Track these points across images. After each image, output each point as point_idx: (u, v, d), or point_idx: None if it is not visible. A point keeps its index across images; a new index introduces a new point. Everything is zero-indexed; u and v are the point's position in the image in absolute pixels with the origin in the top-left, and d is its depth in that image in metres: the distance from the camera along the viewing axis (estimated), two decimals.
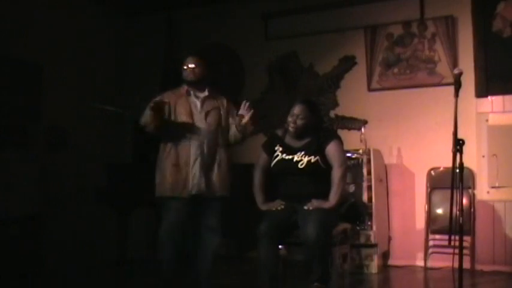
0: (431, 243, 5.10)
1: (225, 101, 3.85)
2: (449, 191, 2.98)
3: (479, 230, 4.96)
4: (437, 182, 5.13)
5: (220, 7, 6.19)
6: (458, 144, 2.95)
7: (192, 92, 3.76)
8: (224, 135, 3.76)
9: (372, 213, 4.98)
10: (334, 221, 3.54)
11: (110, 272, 5.14)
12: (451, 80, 4.73)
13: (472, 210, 4.94)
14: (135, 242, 5.30)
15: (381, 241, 5.03)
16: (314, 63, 5.83)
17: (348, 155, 4.78)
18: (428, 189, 5.18)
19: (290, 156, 3.54)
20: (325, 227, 3.30)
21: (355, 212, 4.85)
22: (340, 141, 3.59)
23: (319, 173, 3.50)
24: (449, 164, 3.00)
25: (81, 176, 5.49)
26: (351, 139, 5.04)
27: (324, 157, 3.51)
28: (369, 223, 4.97)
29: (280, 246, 3.47)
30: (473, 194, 5.01)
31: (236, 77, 6.14)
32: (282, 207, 3.52)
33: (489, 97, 5.05)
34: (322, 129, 3.77)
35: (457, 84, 3.07)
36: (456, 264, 2.93)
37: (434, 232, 5.08)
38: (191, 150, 3.63)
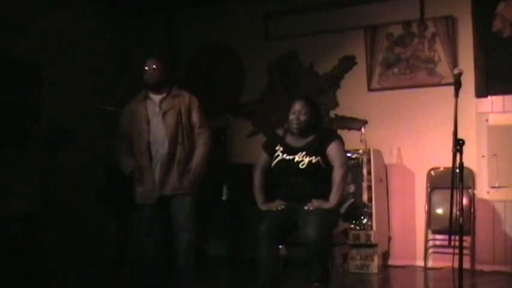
0: (431, 243, 5.11)
1: (187, 98, 3.91)
2: (449, 191, 2.98)
3: (479, 230, 4.96)
4: (437, 182, 5.13)
5: (220, 7, 6.19)
6: (458, 144, 2.95)
7: (150, 95, 3.87)
8: (185, 132, 3.83)
9: (372, 213, 4.98)
10: (334, 221, 3.54)
11: (110, 272, 5.14)
12: (451, 80, 4.72)
13: (472, 210, 4.94)
14: (135, 242, 5.30)
15: (381, 241, 5.03)
16: (314, 63, 5.83)
17: (348, 155, 4.78)
18: (428, 189, 5.18)
19: (291, 157, 3.54)
20: (325, 227, 3.30)
21: (355, 212, 4.86)
22: (342, 142, 3.59)
23: (320, 173, 3.49)
24: (449, 164, 3.00)
25: (81, 176, 5.49)
26: (351, 139, 5.04)
27: (325, 157, 3.51)
28: (369, 223, 4.97)
29: (280, 246, 3.47)
30: (473, 194, 5.01)
31: (236, 77, 6.14)
32: (282, 207, 3.51)
33: (489, 97, 5.05)
34: (323, 129, 3.77)
35: (457, 84, 3.07)
36: (456, 264, 2.93)
37: (434, 232, 5.08)
38: (153, 154, 3.77)
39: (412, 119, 5.34)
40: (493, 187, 4.99)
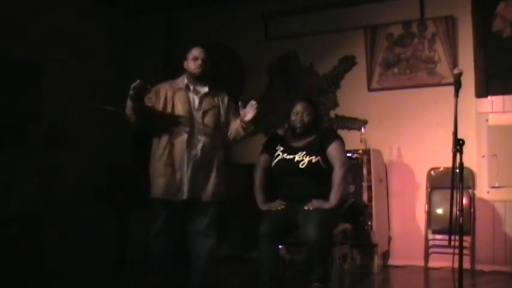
0: (431, 243, 5.11)
1: (226, 98, 3.62)
2: (449, 191, 2.98)
3: (479, 230, 4.96)
4: (437, 182, 5.13)
5: (220, 7, 6.19)
6: (458, 144, 2.95)
7: (192, 87, 3.52)
8: (222, 137, 3.54)
9: (372, 213, 4.97)
10: (334, 221, 3.54)
11: (110, 272, 5.14)
12: (451, 80, 4.72)
13: (472, 210, 4.94)
14: (135, 242, 5.30)
15: (380, 241, 5.02)
16: (314, 63, 5.83)
17: (348, 155, 4.78)
18: (428, 189, 5.18)
19: (291, 156, 3.54)
20: (325, 227, 3.30)
21: (355, 212, 4.86)
22: (342, 142, 3.60)
23: (320, 173, 3.50)
24: (449, 164, 3.00)
25: (81, 176, 5.49)
26: (351, 139, 5.04)
27: (325, 157, 3.51)
28: (369, 223, 4.97)
29: (280, 246, 3.47)
30: (473, 194, 5.01)
31: (236, 77, 6.14)
32: (282, 207, 3.52)
33: (489, 97, 5.05)
34: (323, 129, 3.78)
35: (457, 84, 3.07)
36: (456, 264, 2.93)
37: (434, 232, 5.08)
38: (187, 151, 3.39)
39: (412, 119, 5.34)
40: (493, 187, 4.99)
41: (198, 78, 3.51)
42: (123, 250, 5.19)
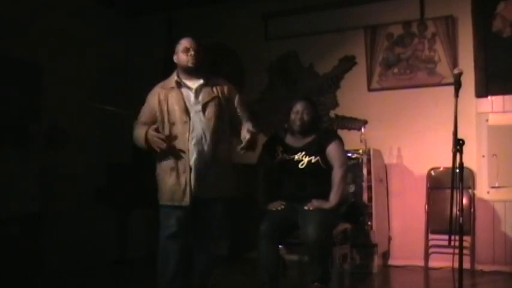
0: (431, 243, 5.10)
1: (225, 88, 3.39)
2: (449, 191, 2.98)
3: (479, 230, 4.96)
4: (437, 182, 5.13)
5: (220, 7, 6.19)
6: (458, 144, 2.95)
7: (183, 83, 3.31)
8: (225, 129, 3.33)
9: (372, 213, 4.97)
10: (334, 221, 3.54)
11: (110, 272, 5.14)
12: (451, 80, 4.73)
13: (472, 210, 4.94)
14: (135, 242, 5.31)
15: (380, 241, 5.02)
16: (314, 63, 5.83)
17: (348, 155, 4.78)
18: (428, 189, 5.18)
19: (291, 156, 3.55)
20: (325, 227, 3.31)
21: (355, 212, 4.86)
22: (341, 142, 3.61)
23: (320, 173, 3.50)
24: (449, 164, 3.00)
25: (81, 176, 5.49)
26: (351, 139, 5.04)
27: (324, 157, 3.52)
28: (369, 223, 4.97)
29: (280, 246, 3.47)
30: (473, 194, 5.01)
31: (236, 77, 6.13)
32: (282, 207, 3.52)
33: (489, 97, 5.05)
34: (323, 129, 3.78)
35: (457, 84, 3.07)
36: (456, 264, 2.93)
37: (434, 232, 5.07)
38: (190, 152, 3.20)
39: (412, 119, 5.34)
40: (493, 187, 4.99)
41: (192, 72, 3.30)
42: (123, 250, 5.19)
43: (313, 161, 3.50)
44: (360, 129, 5.36)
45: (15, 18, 5.12)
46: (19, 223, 4.78)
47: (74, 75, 5.66)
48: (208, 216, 3.32)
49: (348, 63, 5.68)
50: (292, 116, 3.60)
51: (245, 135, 3.19)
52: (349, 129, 5.55)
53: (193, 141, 3.21)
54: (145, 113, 3.38)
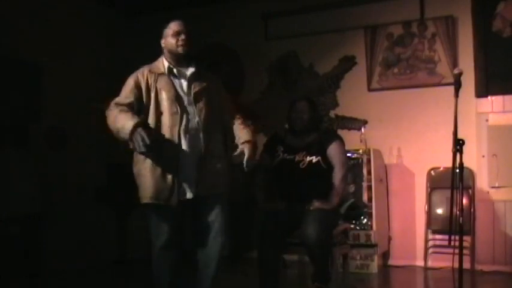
0: (431, 243, 5.11)
1: (214, 77, 3.16)
2: (449, 191, 2.97)
3: (479, 230, 4.96)
4: (437, 182, 5.13)
5: (220, 7, 6.19)
6: (458, 144, 2.95)
7: (175, 70, 3.01)
8: (217, 120, 3.05)
9: (372, 213, 4.98)
10: (334, 221, 3.54)
11: (110, 272, 5.14)
12: (451, 80, 4.73)
13: (472, 210, 4.94)
14: (135, 242, 5.31)
15: (380, 241, 5.03)
16: (314, 63, 5.83)
17: (348, 155, 4.78)
18: (428, 189, 5.18)
19: (291, 156, 3.54)
20: (325, 228, 3.30)
21: (355, 212, 4.86)
22: (342, 142, 3.61)
23: (320, 173, 3.50)
24: (449, 164, 2.99)
25: (81, 176, 5.49)
26: (351, 139, 5.04)
27: (325, 157, 3.52)
28: (369, 223, 4.97)
29: (280, 247, 3.47)
30: (473, 194, 5.01)
31: (236, 77, 6.14)
32: (283, 207, 3.52)
33: (489, 97, 5.05)
34: (323, 129, 3.78)
35: (457, 84, 3.06)
36: (456, 264, 2.93)
37: (434, 232, 5.08)
38: (182, 145, 2.90)
39: (412, 119, 5.34)
40: (493, 187, 4.99)
41: (181, 58, 3.00)
42: (123, 250, 5.19)
43: (314, 161, 3.50)
44: (360, 129, 5.36)
45: (15, 18, 5.12)
46: (19, 223, 4.78)
47: (74, 75, 5.66)
48: (208, 215, 3.01)
49: (348, 63, 5.68)
50: (293, 115, 3.60)
51: (243, 149, 2.95)
52: (349, 129, 5.55)
53: (184, 134, 2.91)
54: (126, 95, 3.00)
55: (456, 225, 2.94)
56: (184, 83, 2.99)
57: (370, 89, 5.55)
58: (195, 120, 2.94)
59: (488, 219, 4.97)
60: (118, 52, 6.39)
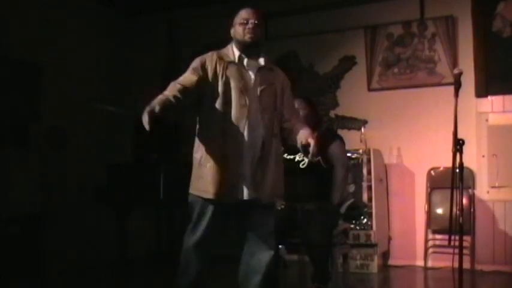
0: (431, 243, 5.11)
1: (281, 74, 2.94)
2: (449, 191, 2.97)
3: (479, 230, 4.96)
4: (437, 182, 5.13)
5: (220, 7, 6.18)
6: (458, 144, 2.95)
7: (246, 60, 2.79)
8: (278, 121, 2.85)
9: (372, 213, 4.98)
10: (334, 221, 3.54)
11: (110, 272, 5.14)
12: (451, 80, 4.73)
13: (472, 210, 4.94)
14: (135, 242, 5.30)
15: (380, 241, 5.03)
16: (314, 63, 5.83)
17: (348, 155, 4.78)
18: (428, 189, 5.18)
19: (292, 156, 3.55)
20: (325, 228, 3.30)
21: (355, 212, 4.86)
22: (343, 142, 3.62)
23: (321, 173, 3.50)
24: (449, 164, 2.99)
25: (81, 176, 5.49)
26: (351, 139, 5.04)
27: (326, 157, 3.52)
28: (369, 223, 4.97)
29: (280, 246, 3.47)
30: (473, 194, 5.01)
31: None
32: (282, 206, 3.52)
33: (489, 97, 5.05)
34: (324, 128, 3.78)
35: (457, 84, 3.06)
36: (456, 264, 2.93)
37: (434, 232, 5.08)
38: (245, 140, 2.69)
39: (412, 119, 5.34)
40: (493, 187, 4.99)
41: (250, 49, 2.80)
42: (123, 250, 5.18)
43: (314, 160, 3.50)
44: (360, 129, 5.37)
45: (16, 18, 5.12)
46: (19, 223, 4.78)
47: (74, 75, 5.66)
48: (259, 223, 2.79)
49: (348, 63, 5.68)
50: None
51: (305, 140, 2.70)
52: (349, 129, 5.55)
53: (248, 129, 2.70)
54: (188, 75, 2.75)
55: (456, 225, 2.94)
56: (252, 75, 2.78)
57: (370, 89, 5.55)
58: (258, 117, 2.73)
59: (488, 219, 4.98)
60: (118, 52, 6.39)
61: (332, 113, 5.70)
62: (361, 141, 5.16)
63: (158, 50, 6.28)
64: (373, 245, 4.92)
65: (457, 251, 2.89)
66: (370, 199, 5.01)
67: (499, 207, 4.99)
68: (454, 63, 5.14)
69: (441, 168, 5.11)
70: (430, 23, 5.33)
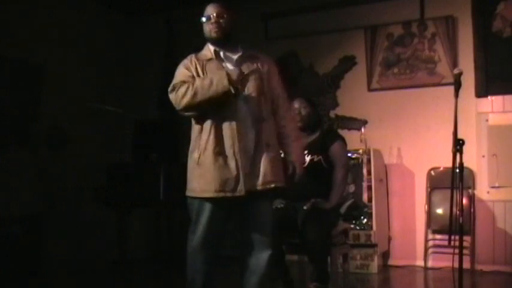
0: (431, 243, 5.11)
1: (265, 60, 2.94)
2: (449, 191, 2.97)
3: (479, 230, 4.96)
4: (437, 182, 5.13)
5: None
6: (458, 144, 2.95)
7: (222, 53, 2.84)
8: (268, 106, 2.84)
9: (372, 213, 4.98)
10: (334, 221, 3.54)
11: (110, 272, 5.14)
12: (451, 80, 4.72)
13: (472, 210, 4.94)
14: (135, 242, 5.31)
15: (380, 241, 5.03)
16: (314, 63, 5.83)
17: (348, 155, 4.79)
18: (428, 189, 5.18)
19: None
20: (325, 228, 3.30)
21: (355, 212, 4.86)
22: (344, 142, 3.63)
23: (321, 173, 3.50)
24: (449, 164, 2.99)
25: (81, 176, 5.49)
26: (351, 139, 5.02)
27: (326, 157, 3.52)
28: (369, 223, 4.97)
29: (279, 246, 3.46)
30: (473, 194, 5.01)
31: None
32: (282, 206, 3.52)
33: (489, 97, 5.05)
34: (325, 128, 3.79)
35: (457, 84, 3.06)
36: (456, 264, 2.93)
37: (434, 232, 5.08)
38: (236, 132, 2.70)
39: (412, 119, 5.34)
40: (493, 187, 4.99)
41: (222, 44, 2.84)
42: (123, 250, 5.19)
43: (315, 159, 3.50)
44: (360, 129, 5.36)
45: (16, 18, 5.12)
46: (19, 223, 4.78)
47: (74, 75, 5.66)
48: (256, 216, 2.78)
49: (348, 63, 5.68)
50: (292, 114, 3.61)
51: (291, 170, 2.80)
52: (349, 129, 5.55)
53: (237, 120, 2.73)
54: (180, 78, 2.79)
55: (456, 225, 2.95)
56: (231, 67, 2.79)
57: (370, 89, 5.55)
58: (246, 104, 2.74)
59: (488, 219, 4.98)
60: (118, 52, 6.39)
61: (332, 113, 5.70)
62: (361, 141, 5.16)
63: (158, 50, 6.28)
64: (373, 245, 4.92)
65: (457, 251, 2.89)
66: (370, 199, 5.01)
67: (499, 207, 4.98)
68: (454, 63, 5.14)
69: (441, 168, 5.11)
70: (430, 23, 5.33)
